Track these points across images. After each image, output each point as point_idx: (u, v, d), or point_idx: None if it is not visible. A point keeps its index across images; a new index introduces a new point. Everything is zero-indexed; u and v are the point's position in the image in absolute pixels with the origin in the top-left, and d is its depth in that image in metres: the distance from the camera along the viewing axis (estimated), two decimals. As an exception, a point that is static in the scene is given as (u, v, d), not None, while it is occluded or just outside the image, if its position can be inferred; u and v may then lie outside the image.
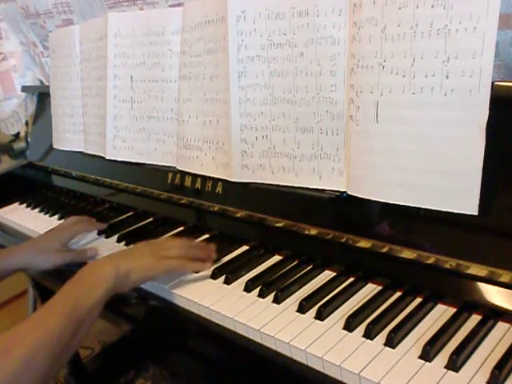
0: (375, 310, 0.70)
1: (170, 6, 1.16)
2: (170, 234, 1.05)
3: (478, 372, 0.57)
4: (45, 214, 1.32)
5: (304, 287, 0.79)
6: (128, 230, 1.11)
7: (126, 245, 1.04)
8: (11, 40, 1.75)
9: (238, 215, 0.95)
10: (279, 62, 0.85)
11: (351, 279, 0.78)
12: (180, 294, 0.81)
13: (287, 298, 0.76)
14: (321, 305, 0.72)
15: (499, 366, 0.56)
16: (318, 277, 0.81)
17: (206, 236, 1.02)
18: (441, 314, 0.68)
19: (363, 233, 0.77)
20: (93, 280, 0.75)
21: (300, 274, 0.82)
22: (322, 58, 0.80)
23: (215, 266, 0.87)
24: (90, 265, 0.79)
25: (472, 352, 0.60)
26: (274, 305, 0.75)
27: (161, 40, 1.08)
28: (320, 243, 0.83)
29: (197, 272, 0.85)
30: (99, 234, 1.12)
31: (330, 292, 0.76)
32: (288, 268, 0.84)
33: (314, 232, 0.83)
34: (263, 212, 0.91)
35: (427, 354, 0.60)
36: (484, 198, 0.64)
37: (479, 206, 0.64)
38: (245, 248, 0.94)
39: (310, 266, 0.83)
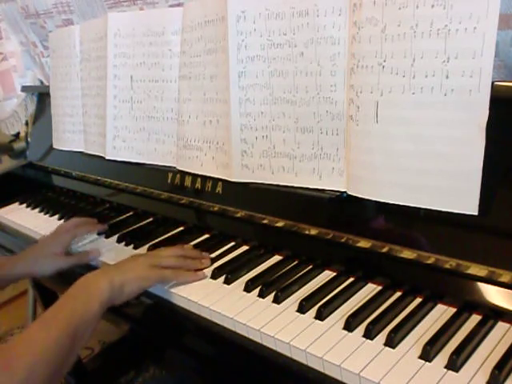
0: (375, 310, 0.70)
1: (170, 6, 1.16)
2: (170, 233, 1.05)
3: (478, 372, 0.57)
4: (45, 214, 1.32)
5: (304, 287, 0.79)
6: (128, 230, 1.11)
7: (126, 245, 1.04)
8: (11, 40, 1.75)
9: (238, 215, 0.95)
10: (279, 62, 0.85)
11: (351, 279, 0.78)
12: (180, 294, 0.81)
13: (287, 298, 0.76)
14: (321, 305, 0.72)
15: (499, 366, 0.56)
16: (318, 277, 0.81)
17: (206, 236, 1.02)
18: (441, 314, 0.68)
19: (363, 233, 0.77)
20: (87, 294, 0.75)
21: (300, 273, 0.82)
22: (322, 58, 0.80)
23: (215, 266, 0.87)
24: (84, 278, 0.78)
25: (472, 352, 0.60)
26: (274, 305, 0.75)
27: (161, 40, 1.08)
28: (320, 243, 0.83)
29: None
30: (99, 234, 1.12)
31: (330, 292, 0.76)
32: (288, 268, 0.84)
33: (313, 232, 0.83)
34: (263, 212, 0.91)
35: (427, 354, 0.60)
36: (484, 198, 0.64)
37: (479, 205, 0.64)
38: (245, 248, 0.94)
39: (310, 266, 0.83)
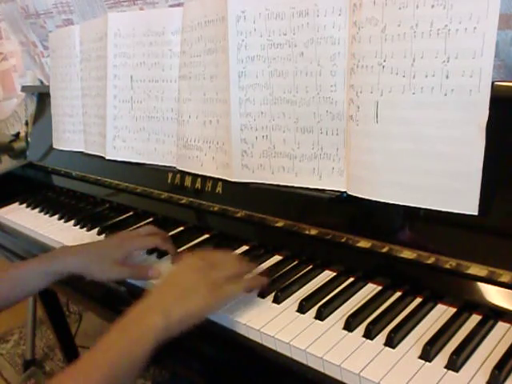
0: (375, 310, 0.70)
1: (170, 6, 1.16)
2: (170, 234, 1.05)
3: (478, 372, 0.57)
4: (45, 214, 1.32)
5: (304, 287, 0.79)
6: (128, 230, 1.11)
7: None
8: (11, 40, 1.76)
9: (238, 215, 0.95)
10: (279, 62, 0.85)
11: (351, 279, 0.78)
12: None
13: (287, 298, 0.76)
14: (321, 305, 0.72)
15: (499, 366, 0.56)
16: (318, 277, 0.81)
17: (206, 236, 1.02)
18: (441, 314, 0.68)
19: (363, 233, 0.77)
20: (140, 332, 0.65)
21: (300, 273, 0.82)
22: (322, 58, 0.80)
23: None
24: (136, 311, 0.67)
25: (472, 352, 0.60)
26: (274, 305, 0.75)
27: (161, 40, 1.08)
28: (320, 243, 0.83)
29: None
30: (99, 234, 1.12)
31: (330, 292, 0.76)
32: (288, 268, 0.84)
33: (313, 232, 0.83)
34: (263, 212, 0.91)
35: (427, 353, 0.60)
36: (484, 197, 0.64)
37: (479, 205, 0.64)
38: (245, 248, 0.94)
39: (310, 266, 0.83)
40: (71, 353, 1.76)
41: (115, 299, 0.94)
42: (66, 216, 1.24)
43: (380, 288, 0.75)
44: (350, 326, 0.67)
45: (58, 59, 1.39)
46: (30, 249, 1.22)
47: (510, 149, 0.66)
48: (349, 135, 0.77)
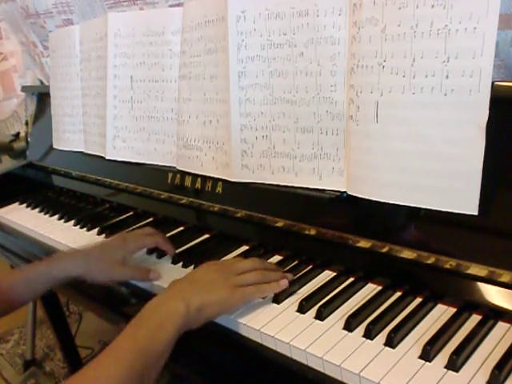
0: (375, 310, 0.70)
1: (170, 6, 1.16)
2: (170, 234, 1.05)
3: (478, 372, 0.57)
4: (45, 214, 1.32)
5: (304, 287, 0.79)
6: (128, 230, 1.11)
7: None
8: (11, 40, 1.76)
9: (238, 215, 0.95)
10: (279, 62, 0.85)
11: (351, 279, 0.78)
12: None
13: (287, 298, 0.76)
14: (321, 305, 0.72)
15: (499, 366, 0.56)
16: (318, 277, 0.81)
17: (206, 236, 1.02)
18: (441, 314, 0.68)
19: (363, 233, 0.77)
20: (160, 320, 0.65)
21: (300, 273, 0.82)
22: (321, 58, 0.80)
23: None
24: (155, 301, 0.68)
25: (472, 352, 0.60)
26: (274, 305, 0.75)
27: (161, 40, 1.08)
28: (320, 243, 0.83)
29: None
30: (99, 234, 1.12)
31: (330, 292, 0.76)
32: (288, 268, 0.84)
33: (313, 232, 0.83)
34: (263, 212, 0.91)
35: (427, 354, 0.60)
36: (484, 198, 0.64)
37: (479, 205, 0.64)
38: (245, 248, 0.94)
39: (310, 266, 0.83)
40: (71, 353, 1.76)
41: (115, 299, 0.94)
42: (66, 216, 1.24)
43: (380, 288, 0.75)
44: (350, 326, 0.67)
45: (58, 59, 1.39)
46: (30, 249, 1.22)
47: (510, 149, 0.66)
48: (349, 135, 0.77)
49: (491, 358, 0.59)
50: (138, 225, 1.13)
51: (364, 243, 0.77)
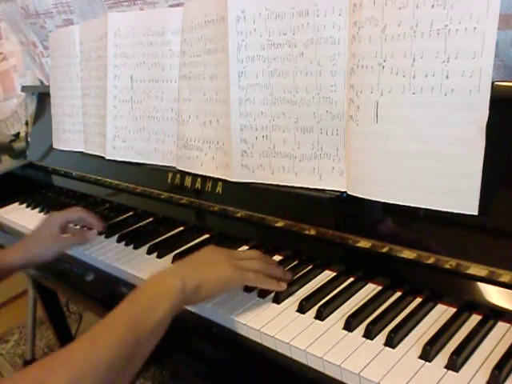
0: (375, 310, 0.70)
1: (170, 6, 1.16)
2: (170, 233, 1.05)
3: (478, 372, 0.57)
4: (45, 213, 1.32)
5: (304, 287, 0.79)
6: (128, 230, 1.11)
7: (126, 245, 1.03)
8: (11, 40, 1.75)
9: (238, 215, 0.95)
10: (279, 62, 0.85)
11: (351, 279, 0.78)
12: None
13: (287, 298, 0.76)
14: (321, 305, 0.72)
15: (499, 366, 0.56)
16: (318, 277, 0.81)
17: (206, 236, 1.02)
18: (441, 314, 0.68)
19: (363, 233, 0.77)
20: (155, 295, 0.65)
21: (300, 273, 0.82)
22: (322, 58, 0.80)
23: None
24: (152, 277, 0.69)
25: (472, 352, 0.60)
26: (274, 305, 0.75)
27: (161, 40, 1.08)
28: (320, 243, 0.83)
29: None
30: (99, 234, 1.12)
31: (330, 292, 0.76)
32: (288, 268, 0.84)
33: (313, 232, 0.83)
34: (263, 212, 0.91)
35: (427, 353, 0.60)
36: (484, 198, 0.64)
37: (479, 205, 0.64)
38: (245, 248, 0.94)
39: (310, 266, 0.83)
40: (71, 353, 1.76)
41: (115, 299, 0.93)
42: (65, 216, 1.24)
43: (380, 288, 0.75)
44: (350, 326, 0.67)
45: (58, 59, 1.39)
46: (30, 249, 1.22)
47: (510, 149, 0.66)
48: (349, 135, 0.77)
49: (491, 358, 0.59)
50: (138, 225, 1.13)
51: (364, 243, 0.77)
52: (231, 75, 0.90)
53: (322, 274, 0.82)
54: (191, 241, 1.00)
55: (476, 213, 0.65)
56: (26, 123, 1.65)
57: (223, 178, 0.96)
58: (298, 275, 0.81)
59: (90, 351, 0.57)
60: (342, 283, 0.78)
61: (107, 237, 1.09)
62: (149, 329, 0.62)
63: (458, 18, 0.62)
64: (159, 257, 0.96)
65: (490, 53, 0.61)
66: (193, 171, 1.03)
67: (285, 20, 0.83)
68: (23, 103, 1.70)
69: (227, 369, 0.76)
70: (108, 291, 0.95)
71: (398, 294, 0.73)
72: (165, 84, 1.08)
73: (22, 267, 0.99)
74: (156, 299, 0.64)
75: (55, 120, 1.44)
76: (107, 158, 1.21)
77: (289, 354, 0.67)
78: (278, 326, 0.70)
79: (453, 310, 0.68)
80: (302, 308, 0.73)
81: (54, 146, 1.46)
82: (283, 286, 0.76)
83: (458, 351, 0.59)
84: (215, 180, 0.99)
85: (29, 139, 1.63)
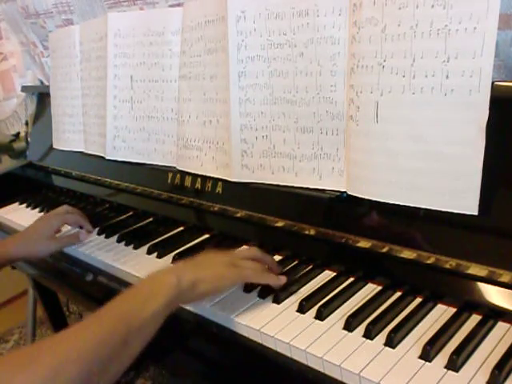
0: (375, 310, 0.70)
1: (170, 6, 1.16)
2: (170, 233, 1.05)
3: (478, 372, 0.57)
4: (45, 213, 1.32)
5: (304, 287, 0.79)
6: (128, 230, 1.11)
7: (126, 245, 1.04)
8: (11, 40, 1.75)
9: (238, 215, 0.95)
10: (279, 62, 0.85)
11: (351, 279, 0.78)
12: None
13: (287, 298, 0.76)
14: (321, 305, 0.72)
15: (499, 366, 0.56)
16: (318, 277, 0.81)
17: (206, 236, 1.02)
18: (441, 314, 0.68)
19: (363, 233, 0.77)
20: (150, 291, 0.66)
21: (300, 274, 0.82)
22: (322, 58, 0.80)
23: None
24: (149, 275, 0.70)
25: (472, 352, 0.60)
26: (274, 305, 0.75)
27: (161, 40, 1.08)
28: (320, 243, 0.83)
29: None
30: (99, 234, 1.12)
31: (330, 292, 0.76)
32: (288, 268, 0.84)
33: (313, 232, 0.83)
34: (263, 212, 0.91)
35: (427, 353, 0.60)
36: (484, 198, 0.64)
37: (479, 205, 0.64)
38: (245, 248, 0.94)
39: (310, 266, 0.83)
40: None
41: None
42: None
43: (380, 288, 0.75)
44: (350, 326, 0.67)
45: (58, 59, 1.39)
46: (30, 249, 1.22)
47: (510, 149, 0.66)
48: (349, 135, 0.77)
49: (491, 358, 0.59)
50: (138, 225, 1.13)
51: (364, 243, 0.77)
52: (231, 75, 0.90)
53: (322, 274, 0.82)
54: (191, 241, 1.00)
55: (476, 213, 0.65)
56: (26, 123, 1.65)
57: (223, 177, 0.96)
58: (298, 275, 0.81)
59: (78, 338, 0.58)
60: (342, 283, 0.78)
61: (107, 237, 1.09)
62: (140, 323, 0.62)
63: (458, 18, 0.62)
64: (159, 257, 0.96)
65: (490, 53, 0.61)
66: (193, 171, 1.03)
67: (285, 20, 0.83)
68: (23, 103, 1.70)
69: (227, 369, 0.76)
70: (108, 291, 0.95)
71: (398, 294, 0.73)
72: (165, 84, 1.08)
73: (19, 260, 1.05)
74: (150, 294, 0.65)
75: (55, 120, 1.44)
76: (107, 157, 1.21)
77: (289, 354, 0.67)
78: (278, 326, 0.70)
79: (453, 310, 0.68)
80: (302, 308, 0.73)
81: (54, 146, 1.46)
82: (283, 280, 0.77)
83: (457, 351, 0.59)
84: (215, 180, 0.99)
85: (29, 139, 1.63)
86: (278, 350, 0.68)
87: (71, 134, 1.38)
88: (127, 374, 1.70)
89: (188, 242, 1.00)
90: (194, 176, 1.04)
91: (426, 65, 0.66)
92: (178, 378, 1.58)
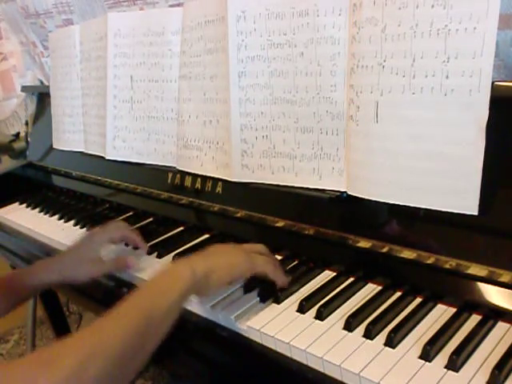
0: (375, 310, 0.70)
1: (170, 6, 1.16)
2: (170, 234, 1.05)
3: (478, 372, 0.57)
4: (45, 213, 1.32)
5: (304, 287, 0.79)
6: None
7: (126, 245, 1.03)
8: (11, 40, 1.76)
9: (238, 215, 0.95)
10: (279, 62, 0.85)
11: (351, 279, 0.78)
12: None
13: (287, 298, 0.76)
14: (321, 305, 0.72)
15: (499, 366, 0.56)
16: (318, 277, 0.81)
17: (206, 236, 1.02)
18: (441, 313, 0.68)
19: (363, 233, 0.77)
20: (165, 284, 0.67)
21: (300, 274, 0.82)
22: (321, 58, 0.80)
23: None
24: (164, 270, 0.70)
25: (472, 352, 0.60)
26: (274, 305, 0.75)
27: (161, 40, 1.08)
28: (320, 243, 0.83)
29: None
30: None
31: (330, 292, 0.76)
32: (288, 268, 0.84)
33: (313, 232, 0.83)
34: (263, 212, 0.91)
35: (427, 353, 0.60)
36: (484, 197, 0.64)
37: (479, 205, 0.64)
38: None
39: (310, 266, 0.83)
40: (71, 353, 1.76)
41: (115, 299, 0.93)
42: (65, 216, 1.24)
43: (380, 288, 0.75)
44: (350, 325, 0.67)
45: (58, 59, 1.39)
46: (30, 249, 1.22)
47: (510, 149, 0.66)
48: (349, 135, 0.77)
49: (491, 358, 0.59)
50: (138, 225, 1.13)
51: (364, 243, 0.77)
52: (231, 75, 0.90)
53: (322, 274, 0.82)
54: (191, 241, 1.00)
55: (476, 213, 0.65)
56: (26, 123, 1.65)
57: (223, 177, 0.96)
58: (298, 275, 0.81)
59: (101, 334, 0.58)
60: (342, 283, 0.78)
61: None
62: (159, 316, 0.63)
63: (458, 17, 0.62)
64: (159, 257, 0.96)
65: (490, 53, 0.61)
66: (193, 171, 1.03)
67: (285, 20, 0.83)
68: (23, 103, 1.70)
69: (227, 368, 0.76)
70: (108, 291, 0.95)
71: (398, 294, 0.73)
72: (165, 84, 1.08)
73: (50, 287, 0.92)
74: (166, 288, 0.66)
75: (55, 120, 1.44)
76: (107, 157, 1.21)
77: (289, 354, 0.67)
78: (278, 326, 0.70)
79: (453, 310, 0.68)
80: (302, 308, 0.73)
81: (54, 146, 1.46)
82: (286, 282, 0.77)
83: (458, 351, 0.59)
84: (215, 180, 0.99)
85: (29, 139, 1.63)
86: (278, 350, 0.68)
87: (71, 134, 1.38)
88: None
89: (188, 242, 1.00)
90: (194, 176, 1.04)
91: (426, 65, 0.66)
92: (178, 377, 1.58)
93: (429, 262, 0.70)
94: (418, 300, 0.71)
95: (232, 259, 0.73)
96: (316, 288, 0.77)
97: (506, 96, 0.64)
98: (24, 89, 1.68)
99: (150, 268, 0.92)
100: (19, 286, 0.90)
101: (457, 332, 0.64)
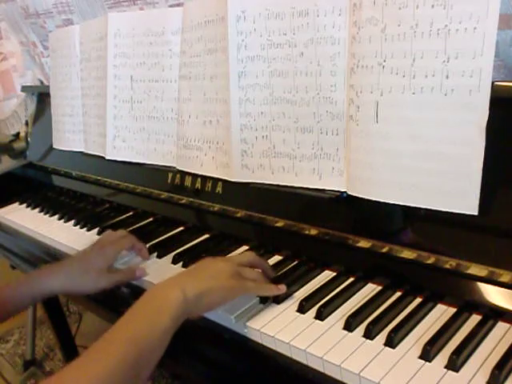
0: (375, 310, 0.70)
1: (170, 6, 1.16)
2: (170, 234, 1.05)
3: (478, 372, 0.57)
4: (45, 214, 1.32)
5: (304, 287, 0.79)
6: (128, 230, 1.11)
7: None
8: (11, 40, 1.75)
9: (238, 215, 0.95)
10: (279, 62, 0.85)
11: (351, 279, 0.78)
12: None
13: (287, 298, 0.76)
14: (321, 305, 0.72)
15: (499, 366, 0.56)
16: (318, 277, 0.81)
17: (206, 236, 1.02)
18: (441, 313, 0.68)
19: (363, 233, 0.77)
20: (155, 308, 0.63)
21: (300, 274, 0.82)
22: (321, 58, 0.80)
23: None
24: (151, 290, 0.67)
25: (472, 352, 0.60)
26: (274, 305, 0.75)
27: (161, 40, 1.08)
28: (320, 243, 0.83)
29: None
30: (99, 234, 1.12)
31: (330, 292, 0.76)
32: (288, 268, 0.84)
33: (313, 232, 0.83)
34: (263, 212, 0.91)
35: (427, 353, 0.60)
36: (484, 197, 0.64)
37: (479, 205, 0.64)
38: (245, 248, 0.94)
39: (310, 266, 0.83)
40: (71, 353, 1.76)
41: (115, 299, 0.94)
42: (66, 216, 1.24)
43: (380, 288, 0.75)
44: (350, 326, 0.67)
45: (58, 59, 1.39)
46: (30, 249, 1.22)
47: (510, 149, 0.66)
48: (349, 135, 0.77)
49: (491, 358, 0.59)
50: (138, 225, 1.13)
51: (364, 243, 0.77)
52: (231, 75, 0.90)
53: (322, 274, 0.82)
54: (191, 241, 1.00)
55: (476, 213, 0.65)
56: (26, 123, 1.65)
57: (223, 177, 0.96)
58: (297, 275, 0.81)
59: (89, 368, 0.56)
60: (342, 283, 0.78)
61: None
62: (149, 345, 0.60)
63: (458, 17, 0.62)
64: (159, 257, 0.96)
65: (490, 53, 0.61)
66: (193, 171, 1.03)
67: (285, 20, 0.83)
68: (23, 103, 1.70)
69: (226, 369, 0.76)
70: (108, 291, 0.95)
71: (398, 294, 0.73)
72: (165, 84, 1.08)
73: (52, 295, 0.87)
74: (156, 314, 0.63)
75: (55, 120, 1.44)
76: (107, 158, 1.21)
77: (289, 354, 0.67)
78: (278, 326, 0.70)
79: (453, 310, 0.68)
80: (302, 308, 0.73)
81: (54, 146, 1.46)
82: (283, 289, 0.75)
83: (457, 351, 0.59)
84: (215, 180, 0.99)
85: (29, 139, 1.63)
86: (278, 350, 0.68)
87: (71, 134, 1.38)
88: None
89: (188, 242, 1.00)
90: (194, 176, 1.04)
91: (426, 65, 0.66)
92: (178, 377, 1.58)
93: (429, 261, 0.70)
94: (418, 300, 0.71)
95: (224, 283, 0.70)
96: (316, 288, 0.77)
97: (506, 96, 0.64)
98: (24, 89, 1.68)
99: (149, 268, 0.92)
100: (15, 299, 0.86)
101: (457, 332, 0.64)
